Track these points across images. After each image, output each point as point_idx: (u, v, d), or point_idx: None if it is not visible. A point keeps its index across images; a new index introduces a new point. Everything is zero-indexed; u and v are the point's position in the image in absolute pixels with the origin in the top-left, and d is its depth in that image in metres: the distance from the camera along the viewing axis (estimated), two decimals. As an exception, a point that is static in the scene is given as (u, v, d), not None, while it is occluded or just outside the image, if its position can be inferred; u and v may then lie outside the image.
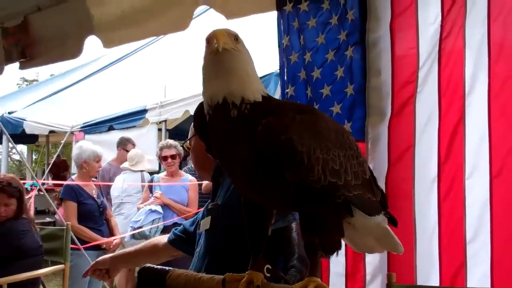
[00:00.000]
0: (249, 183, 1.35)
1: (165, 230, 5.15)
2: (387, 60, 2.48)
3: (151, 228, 5.21)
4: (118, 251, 2.33)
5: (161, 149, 5.46)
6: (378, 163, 2.43)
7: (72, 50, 3.14)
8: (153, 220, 5.24)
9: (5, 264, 3.54)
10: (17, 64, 3.45)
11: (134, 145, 6.37)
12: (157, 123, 6.90)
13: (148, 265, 1.58)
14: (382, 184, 2.25)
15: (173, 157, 5.38)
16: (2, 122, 7.35)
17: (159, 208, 5.28)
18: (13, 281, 3.46)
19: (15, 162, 18.95)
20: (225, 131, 1.29)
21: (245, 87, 1.29)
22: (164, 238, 2.25)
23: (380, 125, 2.46)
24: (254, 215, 1.42)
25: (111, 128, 7.29)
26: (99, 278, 2.23)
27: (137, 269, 2.04)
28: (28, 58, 3.35)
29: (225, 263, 1.70)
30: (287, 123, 1.26)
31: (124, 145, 6.32)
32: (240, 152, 1.29)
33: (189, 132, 2.11)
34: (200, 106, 1.40)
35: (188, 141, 2.12)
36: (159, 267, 1.57)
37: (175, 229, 2.25)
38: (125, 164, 6.00)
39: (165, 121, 6.94)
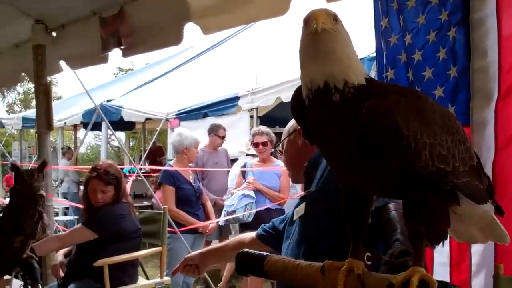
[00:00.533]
0: (350, 168, 1.30)
1: (257, 215, 5.25)
2: (493, 40, 2.31)
3: (244, 213, 5.30)
4: (206, 248, 2.38)
5: (253, 135, 5.52)
6: (484, 149, 2.29)
7: (172, 37, 3.18)
8: (246, 205, 5.32)
9: (105, 247, 3.65)
10: (119, 52, 3.53)
11: (225, 130, 6.47)
12: (248, 110, 6.91)
13: (245, 250, 1.57)
14: (488, 171, 2.12)
15: (264, 144, 5.41)
16: (102, 110, 7.71)
17: (252, 193, 5.36)
18: (113, 262, 3.58)
19: (114, 148, 19.86)
20: (326, 116, 1.24)
21: (347, 70, 1.23)
22: (250, 234, 2.29)
23: (485, 108, 2.30)
24: (354, 202, 1.37)
25: (205, 115, 7.42)
26: (189, 274, 2.28)
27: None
28: (125, 47, 3.44)
29: (321, 250, 1.69)
30: (392, 106, 1.19)
31: (216, 131, 6.43)
32: (341, 137, 1.24)
33: (282, 136, 2.12)
34: (297, 90, 1.36)
35: (280, 145, 2.14)
36: (257, 252, 1.55)
37: (264, 225, 2.27)
38: (241, 149, 6.15)
39: (257, 108, 6.93)
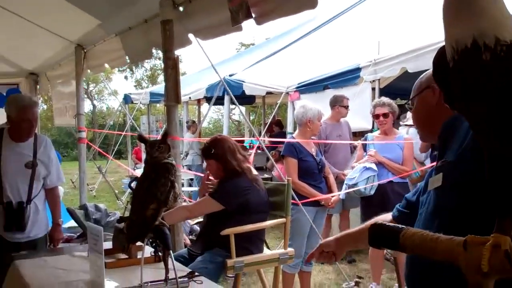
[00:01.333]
0: (500, 134, 1.18)
1: (379, 188, 5.17)
2: None
3: (365, 186, 5.21)
4: (341, 233, 2.32)
5: (374, 107, 5.38)
6: None
7: (307, 1, 3.12)
8: (368, 178, 5.23)
9: (232, 218, 3.74)
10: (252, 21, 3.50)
11: (348, 99, 6.35)
12: (370, 82, 6.71)
13: (379, 222, 1.52)
14: None
15: (385, 115, 5.27)
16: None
17: (373, 166, 5.25)
18: (239, 232, 3.68)
19: (234, 122, 20.36)
20: (474, 77, 1.13)
21: (499, 26, 1.10)
22: (387, 216, 2.21)
23: None
24: (502, 171, 1.25)
25: (326, 87, 7.33)
26: (326, 260, 2.24)
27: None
28: (256, 16, 3.42)
29: (458, 224, 1.58)
30: None
31: (340, 101, 6.33)
32: (492, 101, 1.13)
33: (412, 92, 1.99)
34: (440, 52, 1.26)
35: (410, 101, 1.99)
36: (391, 224, 1.50)
37: (399, 205, 2.18)
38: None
39: (379, 79, 6.72)
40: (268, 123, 10.32)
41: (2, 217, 3.90)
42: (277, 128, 12.07)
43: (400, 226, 1.46)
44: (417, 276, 1.76)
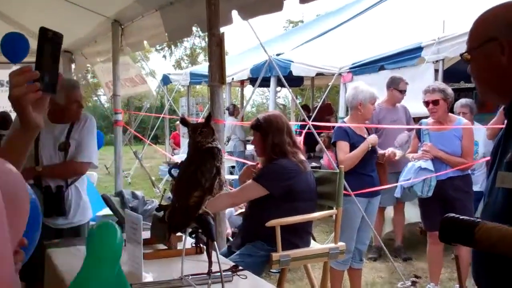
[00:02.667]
0: None
1: (438, 185, 5.01)
2: None
3: (422, 188, 5.06)
4: None
5: (424, 93, 5.17)
6: None
7: None
8: (425, 181, 5.06)
9: (277, 206, 3.72)
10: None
11: (406, 83, 6.22)
12: (433, 62, 6.53)
13: (452, 214, 1.47)
14: None
15: (435, 102, 5.04)
16: (270, 64, 7.83)
17: (429, 165, 5.07)
18: (286, 223, 3.64)
19: (279, 105, 20.29)
20: None
21: None
22: None
23: None
24: None
25: (381, 68, 7.22)
26: None
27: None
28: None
29: None
30: None
31: (396, 84, 6.21)
32: None
33: (470, 40, 1.76)
34: None
35: (466, 53, 1.75)
36: (466, 218, 1.44)
37: None
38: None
39: (443, 60, 6.55)
40: (317, 107, 10.16)
41: (42, 202, 3.92)
42: (326, 113, 11.92)
43: (476, 219, 1.40)
44: (491, 274, 1.67)
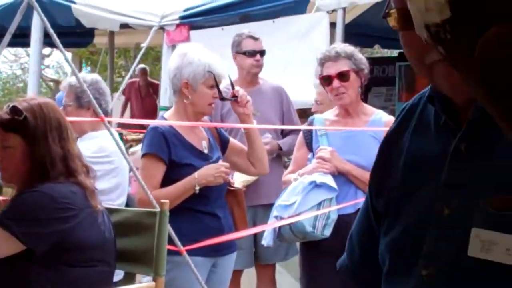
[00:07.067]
0: None
1: (340, 222, 3.55)
2: None
3: (314, 221, 3.57)
4: None
5: (321, 62, 3.63)
6: None
7: None
8: (320, 204, 3.60)
9: (39, 274, 2.83)
10: None
11: (257, 39, 4.69)
12: (328, 12, 5.40)
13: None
14: None
15: (342, 76, 3.56)
16: (30, 5, 5.55)
17: (329, 181, 3.60)
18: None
19: (48, 82, 18.94)
20: None
21: None
22: None
23: None
24: None
25: (245, 19, 6.02)
26: None
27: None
28: None
29: None
30: None
31: (238, 45, 4.61)
32: None
33: None
34: None
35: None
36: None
37: None
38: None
39: (344, 8, 5.32)
40: (124, 84, 8.00)
41: None
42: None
43: None
44: None
